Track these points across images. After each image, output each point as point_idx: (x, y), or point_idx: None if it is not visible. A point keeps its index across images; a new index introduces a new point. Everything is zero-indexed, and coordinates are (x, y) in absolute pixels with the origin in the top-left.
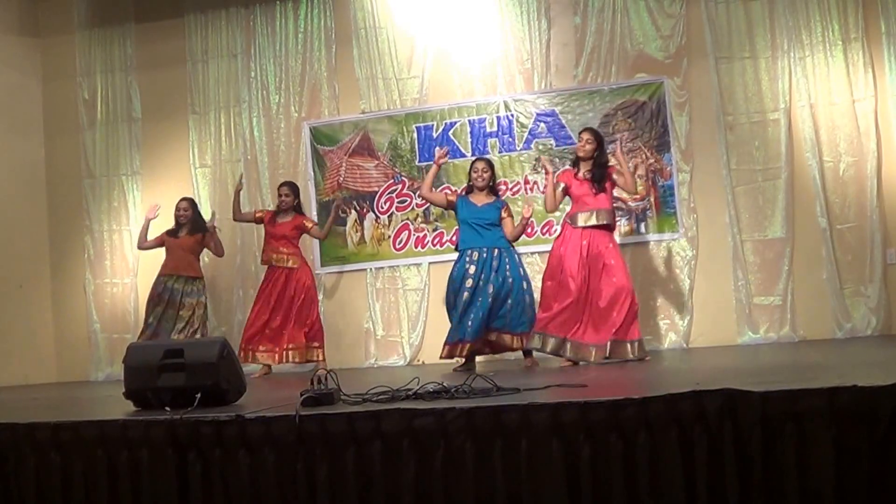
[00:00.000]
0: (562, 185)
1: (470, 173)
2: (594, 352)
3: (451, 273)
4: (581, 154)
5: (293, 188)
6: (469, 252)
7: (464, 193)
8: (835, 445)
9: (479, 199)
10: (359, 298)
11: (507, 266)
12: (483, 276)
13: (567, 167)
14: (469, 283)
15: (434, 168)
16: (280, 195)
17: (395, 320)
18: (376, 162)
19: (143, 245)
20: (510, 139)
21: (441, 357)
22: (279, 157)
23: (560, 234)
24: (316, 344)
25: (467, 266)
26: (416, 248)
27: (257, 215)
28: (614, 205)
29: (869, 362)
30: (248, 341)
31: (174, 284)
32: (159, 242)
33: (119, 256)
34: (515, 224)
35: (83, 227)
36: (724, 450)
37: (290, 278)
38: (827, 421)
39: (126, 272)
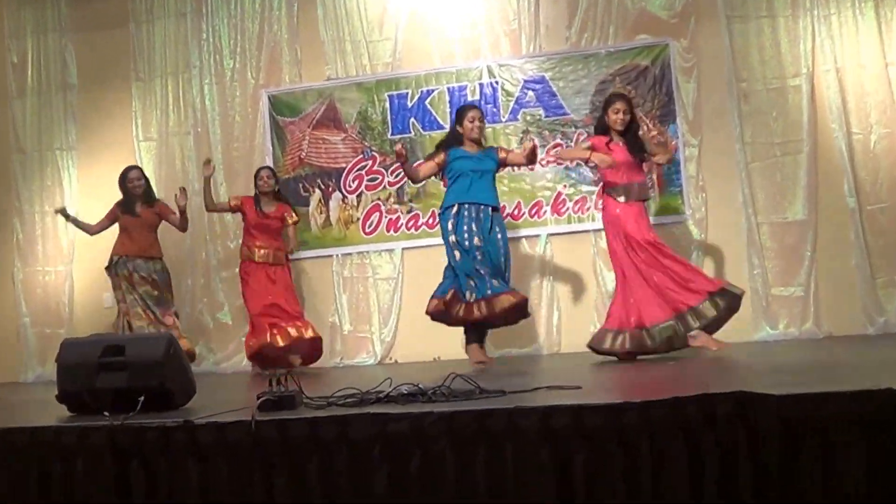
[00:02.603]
0: (588, 145)
1: (462, 123)
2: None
3: (452, 236)
4: (619, 126)
5: (274, 173)
6: (463, 206)
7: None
8: (864, 457)
9: (471, 148)
10: (323, 289)
11: (500, 229)
12: (481, 231)
13: (592, 135)
14: (477, 240)
15: (404, 164)
16: (261, 178)
17: (364, 313)
18: (343, 135)
19: (93, 230)
20: (494, 109)
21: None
22: (234, 129)
23: (611, 214)
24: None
25: (468, 223)
26: (388, 231)
27: (233, 204)
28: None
29: None
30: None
31: (137, 263)
32: (111, 220)
33: (52, 241)
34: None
35: (11, 208)
36: (737, 461)
37: (272, 277)
38: (856, 429)
39: (60, 259)
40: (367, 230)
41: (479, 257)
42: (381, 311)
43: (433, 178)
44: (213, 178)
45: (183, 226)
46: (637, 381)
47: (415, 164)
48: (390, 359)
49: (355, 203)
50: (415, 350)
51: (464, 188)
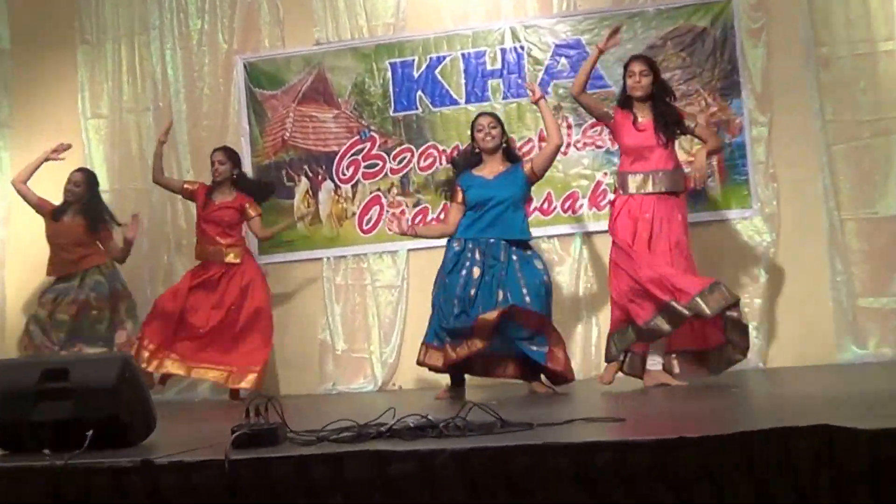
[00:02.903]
0: (610, 112)
1: (472, 134)
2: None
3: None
4: (638, 92)
5: (231, 155)
6: (472, 241)
7: (463, 170)
8: None
9: (490, 168)
10: (312, 299)
11: (520, 269)
12: (488, 271)
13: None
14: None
15: (417, 233)
16: (213, 163)
17: (361, 329)
18: (336, 112)
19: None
20: (519, 81)
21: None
22: (202, 104)
23: (619, 210)
24: (256, 368)
25: (462, 259)
26: (390, 229)
27: (186, 187)
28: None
29: None
30: (161, 340)
31: (60, 289)
32: (41, 207)
33: None
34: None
35: None
36: None
37: (228, 278)
38: None
39: None
40: (365, 227)
41: (456, 304)
42: (381, 325)
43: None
44: (178, 161)
45: (121, 256)
46: (692, 411)
47: (432, 220)
48: (393, 384)
49: (350, 194)
50: (423, 374)
51: (472, 220)
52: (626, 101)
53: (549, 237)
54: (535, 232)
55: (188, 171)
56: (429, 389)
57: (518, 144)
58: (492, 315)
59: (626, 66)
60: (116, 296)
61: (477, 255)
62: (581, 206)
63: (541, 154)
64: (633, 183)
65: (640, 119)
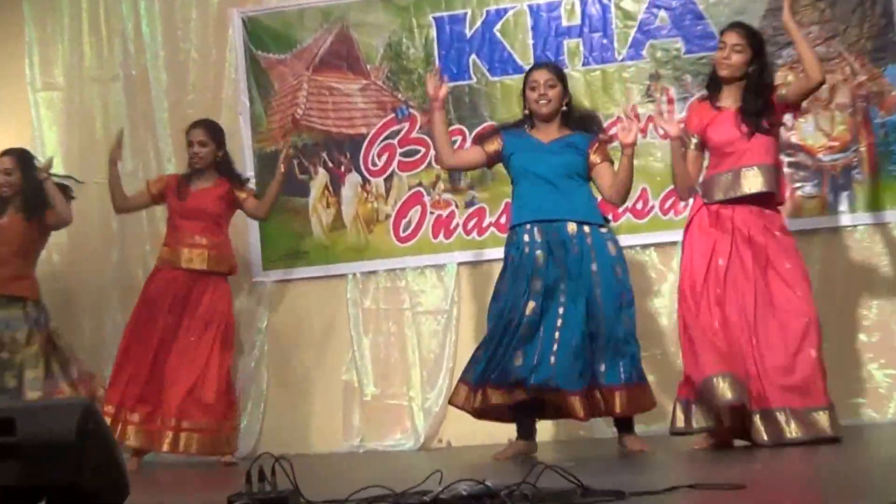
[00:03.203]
0: (693, 139)
1: (524, 93)
2: (760, 425)
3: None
4: (724, 70)
5: (213, 130)
6: (528, 228)
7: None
8: None
9: (546, 133)
10: (333, 328)
11: (594, 259)
12: (553, 273)
13: (695, 97)
14: (537, 284)
15: (437, 115)
16: (191, 144)
17: (397, 368)
18: (364, 82)
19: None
20: (605, 41)
21: (455, 404)
22: (188, 72)
23: (691, 220)
24: (208, 423)
25: (527, 250)
26: (435, 237)
27: (153, 190)
28: (786, 158)
29: None
30: (121, 400)
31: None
32: None
33: None
34: (617, 167)
35: None
36: None
37: (198, 289)
38: None
39: None
40: (403, 234)
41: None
42: (423, 363)
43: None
44: (155, 148)
45: (62, 217)
46: (829, 477)
47: (456, 146)
48: (439, 440)
49: (383, 191)
50: (479, 427)
51: (528, 198)
52: (713, 82)
53: (645, 247)
54: (625, 240)
55: (169, 160)
56: (488, 446)
57: (605, 125)
58: (573, 404)
59: (721, 34)
60: (47, 339)
61: (538, 256)
62: (686, 205)
63: (605, 176)
64: (722, 187)
65: (723, 106)
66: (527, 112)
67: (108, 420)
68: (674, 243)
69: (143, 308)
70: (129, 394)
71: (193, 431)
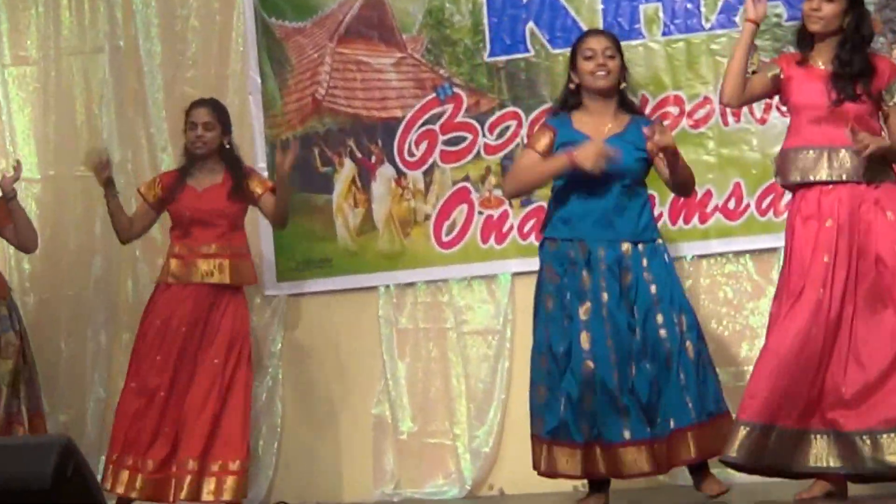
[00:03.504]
0: (772, 71)
1: (576, 63)
2: (863, 446)
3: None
4: (814, 25)
5: (220, 111)
6: (574, 245)
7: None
8: None
9: (598, 120)
10: (362, 351)
11: (653, 281)
12: (608, 299)
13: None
14: (583, 311)
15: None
16: (194, 126)
17: (439, 399)
18: (399, 55)
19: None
20: (690, 6)
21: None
22: (187, 44)
23: (791, 210)
24: (236, 464)
25: (569, 272)
26: (484, 242)
27: (150, 199)
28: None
29: None
30: (123, 449)
31: None
32: None
33: None
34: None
35: None
36: None
37: (218, 307)
38: None
39: None
40: (446, 239)
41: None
42: (471, 394)
43: None
44: (147, 135)
45: (25, 238)
46: None
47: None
48: (490, 487)
49: (422, 186)
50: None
51: (572, 206)
52: (802, 39)
53: (738, 254)
54: (715, 246)
55: (164, 149)
56: (548, 495)
57: (686, 109)
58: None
59: None
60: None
61: (585, 278)
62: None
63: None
64: (799, 166)
65: (813, 65)
66: (572, 87)
67: (111, 469)
68: (773, 250)
69: (150, 334)
70: (140, 439)
71: (223, 474)
